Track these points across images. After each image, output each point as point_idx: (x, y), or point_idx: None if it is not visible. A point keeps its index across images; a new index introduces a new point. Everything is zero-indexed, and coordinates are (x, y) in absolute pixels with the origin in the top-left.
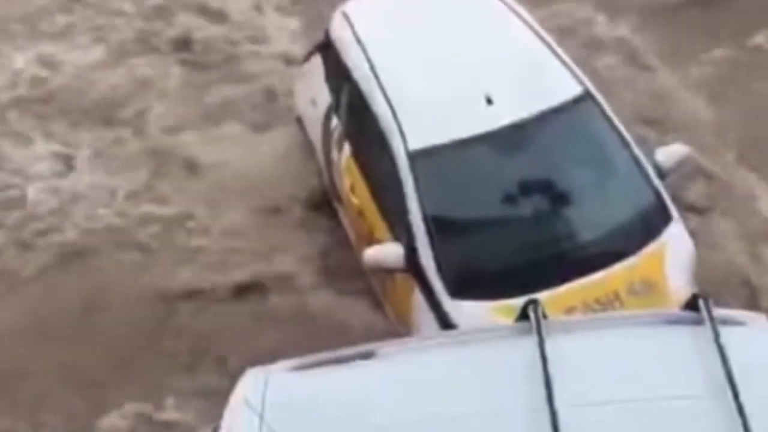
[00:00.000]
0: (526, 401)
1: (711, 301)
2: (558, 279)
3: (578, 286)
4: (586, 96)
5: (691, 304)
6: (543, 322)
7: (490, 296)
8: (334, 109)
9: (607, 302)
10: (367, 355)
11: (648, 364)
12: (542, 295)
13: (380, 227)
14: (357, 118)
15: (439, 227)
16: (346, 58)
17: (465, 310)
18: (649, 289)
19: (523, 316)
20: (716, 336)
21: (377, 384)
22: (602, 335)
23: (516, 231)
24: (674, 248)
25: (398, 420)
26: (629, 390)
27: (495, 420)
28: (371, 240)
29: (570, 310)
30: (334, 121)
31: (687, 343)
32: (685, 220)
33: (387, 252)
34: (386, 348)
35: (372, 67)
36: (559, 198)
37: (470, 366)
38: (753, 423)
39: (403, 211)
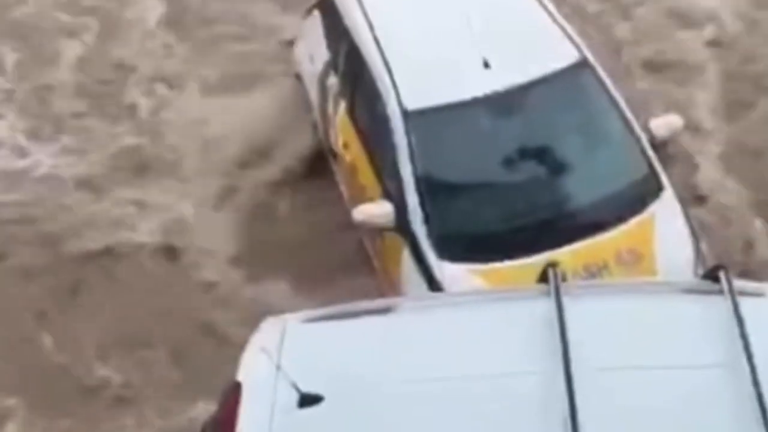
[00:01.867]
0: (542, 363)
1: (730, 272)
2: (545, 245)
3: (566, 252)
4: (584, 63)
5: (711, 274)
6: (562, 286)
7: (477, 259)
8: (331, 66)
9: (595, 270)
10: (386, 310)
11: (665, 331)
12: (528, 261)
13: (372, 185)
14: (353, 76)
15: (430, 188)
16: (345, 16)
17: (450, 272)
18: (637, 258)
19: (543, 278)
20: (735, 306)
21: (393, 339)
22: (621, 301)
23: (506, 196)
24: (664, 219)
25: (412, 376)
26: (646, 357)
27: (509, 381)
28: (363, 198)
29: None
30: (331, 79)
31: (705, 313)
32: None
33: (377, 210)
34: (404, 303)
35: (370, 26)
36: (550, 164)
37: (487, 326)
38: (766, 391)
39: (395, 171)
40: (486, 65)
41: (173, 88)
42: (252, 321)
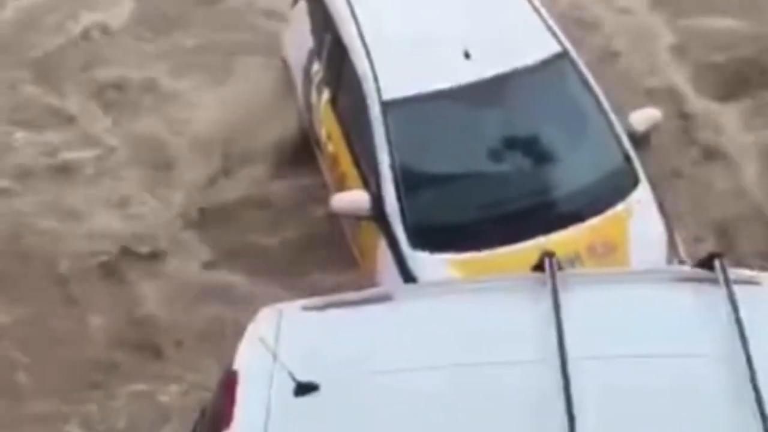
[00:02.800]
0: (538, 352)
1: (726, 260)
2: (519, 236)
3: (538, 244)
4: (564, 55)
5: (706, 263)
6: (558, 275)
7: (450, 249)
8: (315, 54)
9: (567, 262)
10: (383, 299)
11: (661, 320)
12: (501, 252)
13: (352, 174)
14: (336, 64)
15: (407, 177)
16: (329, 5)
17: (424, 262)
18: (609, 250)
19: (539, 267)
20: (730, 295)
21: (391, 327)
22: (617, 289)
23: (481, 186)
24: (639, 212)
25: (410, 364)
26: (641, 345)
27: (506, 369)
28: (344, 186)
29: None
30: (315, 66)
31: (701, 302)
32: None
33: (354, 199)
34: (402, 292)
35: (353, 16)
36: (526, 155)
37: (484, 315)
38: (764, 383)
39: (373, 160)
40: (466, 56)
41: (154, 75)
42: (238, 308)
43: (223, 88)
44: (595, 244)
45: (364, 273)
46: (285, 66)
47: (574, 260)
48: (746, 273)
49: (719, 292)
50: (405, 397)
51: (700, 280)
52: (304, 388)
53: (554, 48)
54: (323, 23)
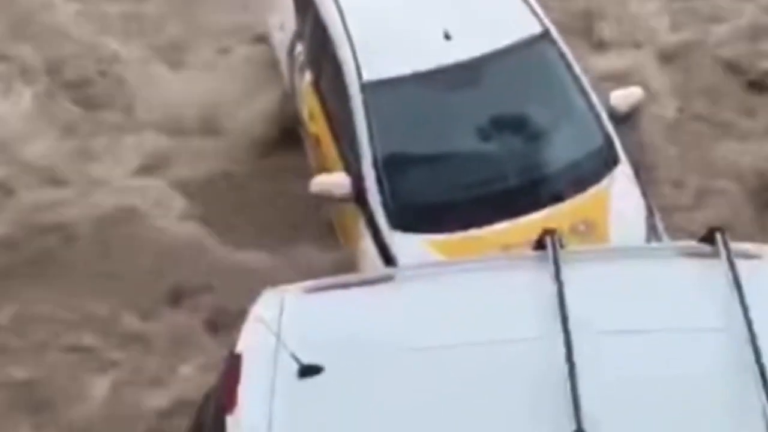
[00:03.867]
0: (542, 329)
1: (727, 234)
2: (500, 216)
3: (519, 224)
4: (545, 35)
5: (708, 237)
6: (560, 252)
7: (430, 230)
8: (298, 36)
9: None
10: (386, 279)
11: (663, 295)
12: (481, 232)
13: (334, 156)
14: (318, 46)
15: (387, 158)
16: None
17: (403, 243)
18: (591, 229)
19: (540, 245)
20: (732, 269)
21: (394, 308)
22: (618, 265)
23: (462, 167)
24: (619, 191)
25: (414, 344)
26: (644, 320)
27: (509, 347)
28: (326, 168)
29: (509, 248)
30: (298, 48)
31: (703, 276)
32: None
33: (334, 181)
34: (405, 272)
35: None
36: (507, 136)
37: (487, 293)
38: (764, 353)
39: (353, 141)
40: (447, 37)
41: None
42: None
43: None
44: (576, 223)
45: (347, 254)
46: (271, 48)
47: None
48: (747, 246)
49: (721, 266)
50: (410, 377)
51: (701, 254)
52: (308, 370)
53: (535, 28)
54: (306, 5)
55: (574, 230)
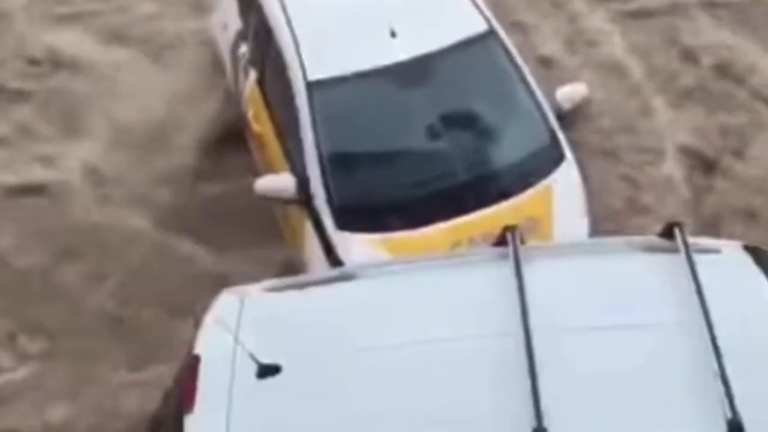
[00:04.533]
0: (503, 326)
1: (685, 229)
2: (445, 214)
3: (464, 222)
4: (490, 33)
5: (667, 232)
6: (520, 248)
7: (376, 229)
8: (242, 35)
9: (491, 240)
10: (347, 277)
11: (623, 291)
12: (429, 230)
13: (279, 157)
14: (262, 45)
15: (332, 158)
16: None
17: (350, 242)
18: (535, 227)
19: (502, 241)
20: (690, 263)
21: (355, 306)
22: (579, 261)
23: (407, 165)
24: (564, 188)
25: (374, 343)
26: (604, 316)
27: (470, 344)
28: (270, 168)
29: (455, 246)
30: (242, 48)
31: (662, 271)
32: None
33: (279, 181)
34: (366, 270)
35: None
36: (452, 134)
37: (447, 290)
38: (725, 349)
39: (299, 141)
40: (392, 34)
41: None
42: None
43: (153, 69)
44: (521, 221)
45: (295, 255)
46: (214, 48)
47: None
48: (705, 241)
49: (680, 261)
50: (369, 375)
51: (661, 249)
52: (266, 370)
53: (480, 26)
54: (249, 5)
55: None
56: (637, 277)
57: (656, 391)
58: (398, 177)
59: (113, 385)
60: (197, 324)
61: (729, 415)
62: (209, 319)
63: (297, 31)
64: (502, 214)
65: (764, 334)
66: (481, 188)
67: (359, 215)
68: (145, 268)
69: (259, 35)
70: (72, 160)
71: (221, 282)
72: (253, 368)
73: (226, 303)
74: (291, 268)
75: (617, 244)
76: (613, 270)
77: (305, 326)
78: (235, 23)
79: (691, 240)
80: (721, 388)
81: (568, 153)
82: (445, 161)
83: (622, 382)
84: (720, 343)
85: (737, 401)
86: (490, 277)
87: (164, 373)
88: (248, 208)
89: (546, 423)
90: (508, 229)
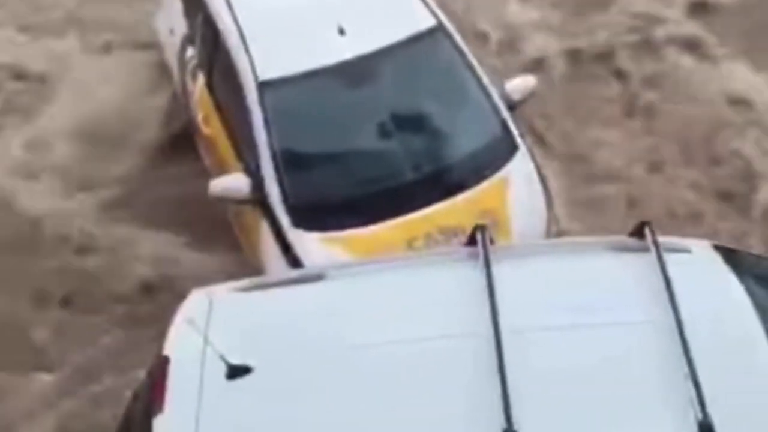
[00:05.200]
0: (473, 326)
1: (655, 228)
2: (400, 210)
3: (420, 217)
4: (439, 28)
5: (637, 231)
6: (490, 248)
7: (332, 227)
8: (189, 38)
9: (450, 233)
10: (317, 278)
11: (593, 290)
12: (384, 226)
13: (231, 158)
14: (210, 47)
15: (286, 157)
16: None
17: (306, 241)
18: (491, 219)
19: (472, 241)
20: (661, 262)
21: (323, 306)
22: (549, 261)
23: (361, 162)
24: (518, 180)
25: (344, 343)
26: (574, 315)
27: (440, 344)
28: (224, 171)
29: (411, 241)
30: (190, 51)
31: (632, 270)
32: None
33: (233, 182)
34: (335, 270)
35: None
36: (405, 130)
37: (417, 290)
38: (694, 348)
39: (252, 142)
40: (341, 32)
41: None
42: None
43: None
44: (477, 215)
45: (251, 256)
46: (160, 51)
47: (458, 231)
48: (676, 240)
49: (650, 260)
50: (340, 376)
51: (631, 249)
52: (236, 371)
53: (429, 21)
54: (195, 7)
55: (474, 221)
56: (607, 277)
57: (627, 391)
58: (352, 174)
59: None
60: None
61: (700, 416)
62: (178, 320)
63: (246, 32)
64: (457, 208)
65: (734, 334)
66: (435, 183)
67: (315, 213)
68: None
69: (207, 38)
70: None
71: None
72: (223, 369)
73: (195, 303)
74: (245, 269)
75: (588, 243)
76: (583, 270)
77: (275, 327)
78: (181, 27)
79: (661, 239)
80: (691, 389)
81: (521, 144)
82: (398, 157)
83: (592, 382)
84: (690, 342)
85: (708, 402)
86: (459, 277)
87: None
88: (201, 211)
89: (515, 424)
90: (479, 227)
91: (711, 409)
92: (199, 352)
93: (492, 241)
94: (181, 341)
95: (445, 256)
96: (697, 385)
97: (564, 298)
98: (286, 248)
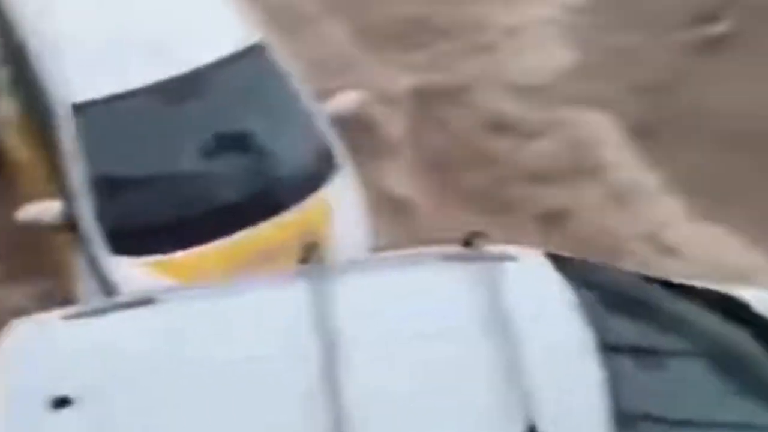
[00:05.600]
0: (303, 344)
1: (483, 238)
2: (223, 232)
3: (241, 238)
4: (260, 46)
5: (468, 241)
6: (320, 266)
7: (150, 252)
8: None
9: (270, 255)
10: (146, 302)
11: (423, 301)
12: (205, 249)
13: (45, 184)
14: (20, 71)
15: (101, 181)
16: (9, 10)
17: (122, 266)
18: (314, 238)
19: (306, 259)
20: (490, 272)
21: (154, 332)
22: (381, 275)
23: (179, 185)
24: (341, 197)
25: (174, 368)
26: (406, 328)
27: (274, 365)
28: (35, 196)
29: (233, 263)
30: (0, 74)
31: (463, 279)
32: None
33: (45, 208)
34: (166, 294)
35: (35, 17)
36: (225, 151)
37: (248, 311)
38: (523, 355)
39: (65, 166)
40: (159, 52)
41: None
42: None
43: None
44: (299, 234)
45: (62, 285)
46: None
47: (279, 253)
48: (504, 249)
49: (480, 270)
50: (170, 402)
51: (462, 259)
52: (57, 403)
53: (249, 39)
54: (4, 28)
55: (296, 241)
56: (437, 287)
57: (459, 399)
58: (171, 197)
59: None
60: None
61: (527, 421)
62: (2, 348)
63: (59, 53)
64: (279, 229)
65: (562, 339)
66: (256, 203)
67: (132, 238)
68: None
69: (17, 60)
70: None
71: None
72: (45, 400)
73: (17, 333)
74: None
75: (418, 255)
76: (413, 282)
77: (103, 354)
78: None
79: (491, 248)
80: (520, 395)
81: (343, 162)
82: (218, 178)
83: (425, 392)
84: (519, 349)
85: (536, 406)
86: (292, 297)
87: None
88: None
89: None
90: (310, 246)
91: (539, 413)
92: (23, 381)
93: (321, 259)
94: (3, 370)
95: (277, 276)
96: (525, 391)
97: (395, 312)
98: (102, 275)
